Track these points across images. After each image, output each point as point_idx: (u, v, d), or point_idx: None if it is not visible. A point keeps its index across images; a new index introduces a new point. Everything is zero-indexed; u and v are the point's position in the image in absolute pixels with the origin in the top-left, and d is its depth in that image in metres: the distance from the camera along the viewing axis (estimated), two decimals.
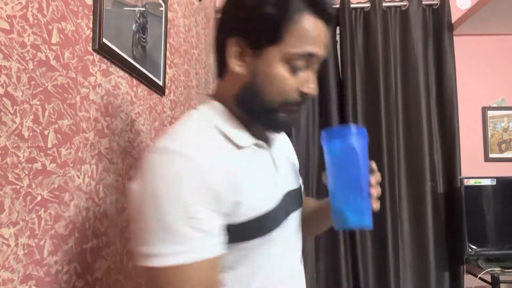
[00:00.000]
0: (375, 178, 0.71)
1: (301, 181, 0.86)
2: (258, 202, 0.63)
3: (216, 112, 0.68)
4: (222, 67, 0.70)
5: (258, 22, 0.62)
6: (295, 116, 0.68)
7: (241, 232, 0.61)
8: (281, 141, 0.83)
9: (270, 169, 0.71)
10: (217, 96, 0.71)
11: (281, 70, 0.63)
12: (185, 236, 0.54)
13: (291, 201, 0.74)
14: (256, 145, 0.69)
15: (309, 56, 0.63)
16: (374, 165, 0.72)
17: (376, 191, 0.71)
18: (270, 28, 0.61)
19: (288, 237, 0.73)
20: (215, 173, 0.58)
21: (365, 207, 0.67)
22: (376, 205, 0.70)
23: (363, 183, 0.68)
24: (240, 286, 0.64)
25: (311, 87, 0.65)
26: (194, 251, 0.54)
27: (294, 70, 0.63)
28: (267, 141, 0.73)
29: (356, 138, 0.67)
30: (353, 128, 0.68)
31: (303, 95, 0.65)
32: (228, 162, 0.61)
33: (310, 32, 0.62)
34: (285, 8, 0.61)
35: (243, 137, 0.66)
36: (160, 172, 0.56)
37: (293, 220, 0.75)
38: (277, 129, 0.71)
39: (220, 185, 0.57)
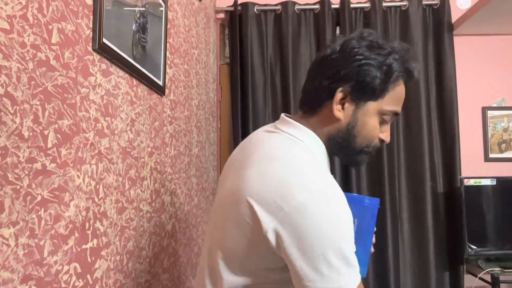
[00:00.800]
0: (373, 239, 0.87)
1: None
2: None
3: (316, 146, 0.79)
4: (319, 104, 0.79)
5: (368, 81, 0.74)
6: (368, 157, 0.83)
7: None
8: None
9: None
10: (313, 131, 0.80)
11: (375, 121, 0.77)
12: (355, 266, 0.67)
13: None
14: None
15: (396, 114, 0.79)
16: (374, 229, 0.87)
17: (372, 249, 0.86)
18: (377, 88, 0.74)
19: None
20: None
21: (366, 261, 0.82)
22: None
23: (370, 241, 0.84)
24: None
25: (387, 136, 0.80)
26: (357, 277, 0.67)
27: (383, 122, 0.78)
28: None
29: (371, 208, 0.82)
30: (368, 199, 0.82)
31: (381, 141, 0.80)
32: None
33: (401, 95, 0.78)
34: (390, 74, 0.74)
35: (327, 166, 0.82)
36: (331, 215, 0.66)
37: None
38: (355, 165, 0.91)
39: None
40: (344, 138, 0.78)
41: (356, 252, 0.71)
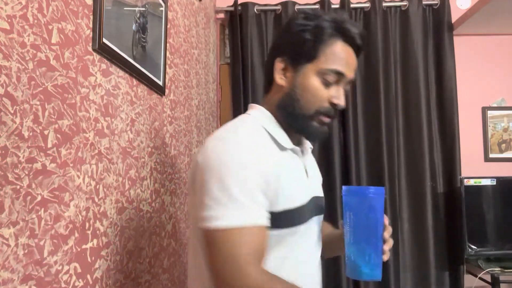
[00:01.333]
0: (388, 232, 0.79)
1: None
2: (293, 196, 0.76)
3: (264, 117, 0.82)
4: (269, 83, 0.85)
5: (300, 45, 0.79)
6: (325, 128, 0.82)
7: (276, 221, 0.72)
8: (310, 156, 0.95)
9: (302, 173, 0.83)
10: (266, 105, 0.85)
11: (315, 82, 0.78)
12: (243, 203, 0.66)
13: (315, 205, 0.85)
14: (293, 150, 0.82)
15: (338, 74, 0.77)
16: (387, 220, 0.79)
17: (388, 246, 0.79)
18: (310, 50, 0.78)
19: (312, 237, 0.83)
20: (267, 163, 0.72)
21: (378, 261, 0.75)
22: (386, 257, 0.78)
23: (378, 239, 0.75)
24: (271, 271, 0.71)
25: (340, 99, 0.78)
26: (249, 216, 0.66)
27: (326, 83, 0.77)
28: (301, 150, 0.86)
29: (376, 198, 0.75)
30: (373, 189, 0.76)
31: (332, 105, 0.78)
32: (274, 156, 0.75)
33: (339, 54, 0.78)
34: (320, 34, 0.78)
35: (285, 140, 0.80)
36: (225, 155, 0.69)
37: (316, 224, 0.85)
38: (310, 135, 0.83)
39: (269, 174, 0.71)
40: (288, 103, 0.80)
41: (356, 250, 0.75)
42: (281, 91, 0.81)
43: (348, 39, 0.79)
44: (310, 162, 0.92)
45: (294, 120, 0.80)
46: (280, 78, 0.81)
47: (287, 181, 0.75)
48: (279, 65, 0.81)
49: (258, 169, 0.69)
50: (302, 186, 0.80)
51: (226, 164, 0.68)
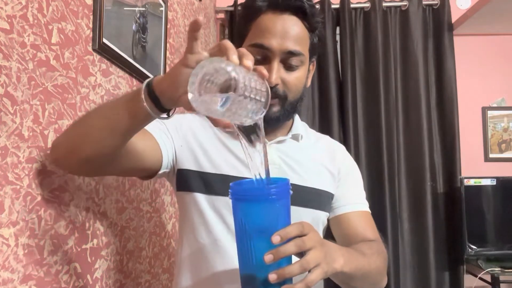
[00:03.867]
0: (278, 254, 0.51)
1: (328, 188, 0.82)
2: (211, 162, 0.75)
3: None
4: None
5: (238, 24, 0.78)
6: (270, 109, 0.66)
7: (192, 181, 0.74)
8: (291, 147, 0.81)
9: (239, 153, 0.76)
10: None
11: None
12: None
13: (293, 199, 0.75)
14: (231, 133, 0.78)
15: (261, 47, 0.71)
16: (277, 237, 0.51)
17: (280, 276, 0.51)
18: (243, 29, 0.76)
19: None
20: (187, 123, 0.78)
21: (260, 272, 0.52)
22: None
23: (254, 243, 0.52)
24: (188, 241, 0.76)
25: (268, 75, 0.64)
26: None
27: (255, 62, 0.63)
28: (267, 137, 0.78)
29: (243, 200, 0.53)
30: (244, 184, 0.56)
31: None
32: (201, 127, 0.79)
33: (263, 27, 0.72)
34: (250, 10, 0.74)
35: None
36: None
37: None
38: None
39: (184, 128, 0.77)
40: None
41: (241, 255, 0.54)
42: None
43: (274, 5, 0.71)
44: (276, 152, 0.79)
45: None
46: None
47: (211, 147, 0.76)
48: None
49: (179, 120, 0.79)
50: (234, 159, 0.75)
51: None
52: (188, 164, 0.76)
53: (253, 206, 0.53)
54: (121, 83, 0.94)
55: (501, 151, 2.18)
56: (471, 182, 1.92)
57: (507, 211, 1.91)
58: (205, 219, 0.74)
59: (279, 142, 0.81)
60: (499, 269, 1.79)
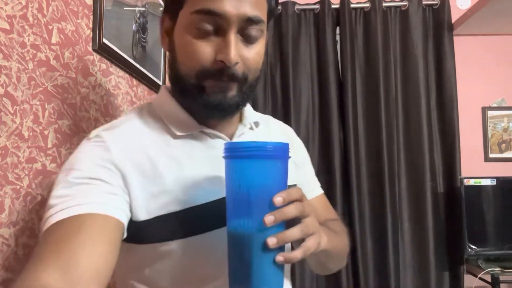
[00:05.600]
0: (282, 214, 0.46)
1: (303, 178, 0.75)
2: (184, 194, 0.55)
3: (160, 99, 0.64)
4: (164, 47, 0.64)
5: None
6: (225, 95, 0.57)
7: (155, 229, 0.54)
8: (259, 132, 0.70)
9: (219, 163, 0.56)
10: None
11: (187, 36, 0.54)
12: (81, 190, 0.50)
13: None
14: (205, 133, 0.61)
15: (211, 14, 0.52)
16: (279, 198, 0.47)
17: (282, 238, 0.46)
18: None
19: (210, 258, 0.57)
20: (124, 155, 0.55)
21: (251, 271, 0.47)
22: (287, 258, 0.47)
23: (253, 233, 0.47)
24: None
25: (225, 52, 0.53)
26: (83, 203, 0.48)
27: (202, 34, 0.54)
28: (225, 131, 0.64)
29: (240, 161, 0.49)
30: (242, 144, 0.51)
31: (219, 64, 0.54)
32: (151, 148, 0.57)
33: None
34: None
35: (183, 124, 0.60)
36: (76, 152, 0.55)
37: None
38: (207, 110, 0.59)
39: (128, 167, 0.54)
40: (171, 74, 0.60)
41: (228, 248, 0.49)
42: (170, 59, 0.61)
43: None
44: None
45: (183, 96, 0.60)
46: (163, 43, 0.61)
47: (176, 175, 0.56)
48: (163, 25, 0.61)
49: (108, 159, 0.54)
50: (209, 179, 0.58)
51: (73, 158, 0.57)
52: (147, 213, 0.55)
53: (255, 164, 0.47)
54: (121, 83, 0.94)
55: (501, 151, 2.18)
56: (471, 182, 1.92)
57: (507, 211, 1.91)
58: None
59: (240, 136, 0.66)
60: (499, 269, 1.79)
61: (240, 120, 0.67)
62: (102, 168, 0.52)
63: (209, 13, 0.52)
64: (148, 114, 0.62)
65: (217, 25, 0.53)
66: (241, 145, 0.50)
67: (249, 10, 0.53)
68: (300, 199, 0.48)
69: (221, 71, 0.55)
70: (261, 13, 0.56)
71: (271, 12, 0.60)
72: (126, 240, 0.54)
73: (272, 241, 0.44)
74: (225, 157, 0.50)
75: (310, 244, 0.48)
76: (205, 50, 0.54)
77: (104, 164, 0.53)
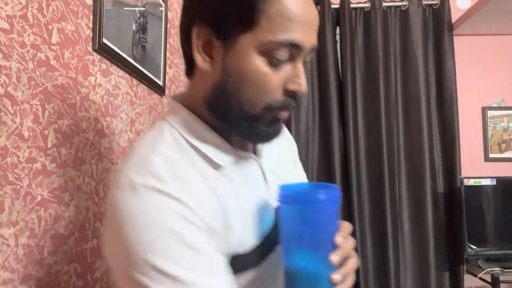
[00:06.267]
0: (342, 253, 0.50)
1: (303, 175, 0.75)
2: (241, 238, 0.53)
3: (186, 123, 0.55)
4: (189, 64, 0.57)
5: (225, 3, 0.49)
6: (279, 126, 0.55)
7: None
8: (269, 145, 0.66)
9: (260, 185, 0.59)
10: (187, 100, 0.58)
11: (259, 64, 0.49)
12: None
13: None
14: (241, 157, 0.58)
15: (294, 47, 0.49)
16: (340, 238, 0.50)
17: (342, 274, 0.50)
18: (241, 10, 0.48)
19: (272, 273, 0.57)
20: (205, 205, 0.49)
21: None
22: None
23: (318, 269, 0.51)
24: None
25: (299, 82, 0.50)
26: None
27: (275, 63, 0.49)
28: (254, 149, 0.62)
29: (313, 208, 0.50)
30: (311, 191, 0.53)
31: (290, 94, 0.51)
32: (212, 189, 0.51)
33: (290, 11, 0.47)
34: None
35: (221, 152, 0.55)
36: (136, 217, 0.45)
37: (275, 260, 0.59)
38: (258, 141, 0.58)
39: (212, 218, 0.49)
40: (220, 99, 0.52)
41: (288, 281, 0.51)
42: (208, 80, 0.53)
43: None
44: (269, 155, 0.64)
45: (232, 123, 0.54)
46: (202, 61, 0.52)
47: (234, 216, 0.52)
48: (198, 39, 0.52)
49: (195, 219, 0.48)
50: (257, 210, 0.56)
51: (141, 231, 0.46)
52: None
53: (320, 208, 0.50)
54: (121, 83, 0.94)
55: (501, 151, 2.18)
56: (471, 182, 1.92)
57: (507, 211, 1.91)
58: None
59: (261, 150, 0.63)
60: (499, 269, 1.79)
61: None
62: (191, 233, 0.46)
63: (294, 46, 0.49)
64: (180, 145, 0.53)
65: (291, 54, 0.50)
66: (304, 192, 0.54)
67: (315, 38, 0.52)
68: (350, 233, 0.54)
69: (289, 101, 0.52)
70: None
71: None
72: None
73: (337, 278, 0.49)
74: (284, 202, 0.51)
75: (355, 267, 0.54)
76: (277, 80, 0.50)
77: (188, 226, 0.46)
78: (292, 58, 0.50)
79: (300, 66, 0.51)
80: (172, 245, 0.45)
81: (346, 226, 0.55)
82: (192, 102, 0.57)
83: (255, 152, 0.62)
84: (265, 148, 0.64)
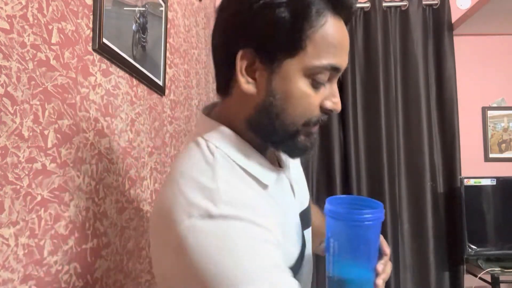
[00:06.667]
0: (384, 263, 0.59)
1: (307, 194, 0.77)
2: (291, 250, 0.58)
3: (230, 143, 0.57)
4: (227, 83, 0.59)
5: (272, 30, 0.51)
6: (313, 140, 0.59)
7: None
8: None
9: (291, 197, 0.63)
10: (224, 118, 0.59)
11: (304, 86, 0.53)
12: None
13: (302, 223, 0.64)
14: (278, 174, 0.61)
15: (334, 70, 0.54)
16: (386, 247, 0.61)
17: (382, 279, 0.58)
18: (288, 37, 0.51)
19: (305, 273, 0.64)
20: (274, 225, 0.51)
21: None
22: None
23: (368, 279, 0.58)
24: None
25: (335, 102, 0.56)
26: None
27: (316, 85, 0.54)
28: (280, 162, 0.66)
29: (373, 226, 0.56)
30: (370, 212, 0.56)
31: (326, 112, 0.56)
32: (273, 209, 0.55)
33: (332, 39, 0.52)
34: (305, 10, 0.51)
35: (265, 171, 0.58)
36: (221, 247, 0.45)
37: (308, 245, 0.65)
38: (297, 155, 0.61)
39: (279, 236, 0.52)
40: (264, 118, 0.55)
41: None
42: (250, 101, 0.56)
43: (339, 6, 0.53)
44: (291, 167, 0.70)
45: (273, 138, 0.58)
46: (246, 83, 0.55)
47: (285, 232, 0.56)
48: (243, 61, 0.54)
49: (276, 244, 0.51)
50: (295, 222, 0.62)
51: (237, 263, 0.46)
52: None
53: (372, 226, 0.56)
54: (121, 83, 0.94)
55: (501, 151, 2.18)
56: (471, 182, 1.92)
57: (507, 211, 1.91)
58: None
59: (285, 161, 0.69)
60: (499, 269, 1.79)
61: None
62: (277, 254, 0.49)
63: (335, 70, 0.54)
64: (231, 167, 0.55)
65: (330, 76, 0.55)
66: (355, 209, 0.59)
67: (347, 60, 0.56)
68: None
69: (324, 117, 0.57)
70: None
71: None
72: None
73: (380, 283, 0.56)
74: (337, 219, 0.56)
75: (389, 272, 0.60)
76: (318, 100, 0.55)
77: (272, 248, 0.48)
78: (329, 79, 0.55)
79: (335, 86, 0.56)
80: (266, 269, 0.46)
81: (383, 238, 0.62)
82: (231, 120, 0.59)
83: (280, 164, 0.67)
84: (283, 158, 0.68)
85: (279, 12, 0.50)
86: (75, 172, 0.73)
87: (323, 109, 0.56)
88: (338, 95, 0.56)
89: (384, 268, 0.58)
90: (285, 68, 0.53)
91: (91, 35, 0.80)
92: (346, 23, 0.56)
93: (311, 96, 0.54)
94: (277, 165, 0.65)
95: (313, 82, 0.53)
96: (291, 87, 0.53)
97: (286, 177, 0.64)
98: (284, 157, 0.67)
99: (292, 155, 0.61)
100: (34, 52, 0.63)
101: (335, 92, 0.56)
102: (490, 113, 2.19)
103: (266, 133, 0.57)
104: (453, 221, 2.02)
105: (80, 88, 0.76)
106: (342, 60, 0.54)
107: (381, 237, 0.61)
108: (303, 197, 0.70)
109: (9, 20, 0.57)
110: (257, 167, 0.57)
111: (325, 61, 0.52)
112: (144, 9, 1.06)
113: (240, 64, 0.54)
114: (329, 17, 0.52)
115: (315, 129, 0.58)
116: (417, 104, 2.08)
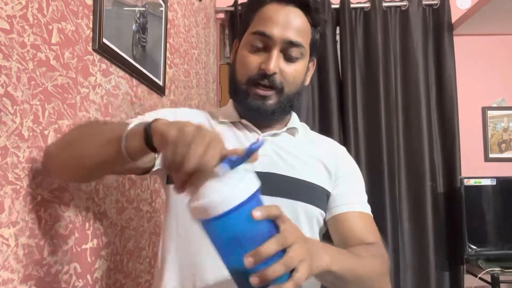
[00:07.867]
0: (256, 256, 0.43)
1: (317, 181, 0.76)
2: None
3: (224, 109, 0.82)
4: None
5: (243, 19, 0.79)
6: (264, 102, 0.72)
7: None
8: (289, 139, 0.80)
9: (232, 143, 0.74)
10: None
11: (245, 51, 0.74)
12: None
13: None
14: (241, 123, 0.78)
15: (261, 35, 0.71)
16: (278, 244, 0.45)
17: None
18: (244, 21, 0.77)
19: None
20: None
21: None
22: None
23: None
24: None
25: (267, 63, 0.70)
26: None
27: (254, 50, 0.72)
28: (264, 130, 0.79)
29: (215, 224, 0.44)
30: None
31: (261, 72, 0.71)
32: (197, 119, 0.72)
33: (266, 16, 0.72)
34: (252, 3, 0.77)
35: (229, 115, 0.78)
36: None
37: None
38: (249, 111, 0.75)
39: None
40: (231, 80, 0.78)
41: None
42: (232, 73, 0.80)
43: None
44: (270, 144, 0.76)
45: (236, 97, 0.77)
46: (231, 59, 0.81)
47: None
48: (235, 46, 0.80)
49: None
50: None
51: None
52: None
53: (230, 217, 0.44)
54: (121, 83, 0.94)
55: (501, 151, 2.18)
56: (471, 182, 1.92)
57: (507, 211, 1.91)
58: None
59: (273, 135, 0.78)
60: (499, 269, 1.79)
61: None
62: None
63: (261, 34, 0.71)
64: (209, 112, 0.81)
65: (266, 44, 0.71)
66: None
67: (292, 35, 0.71)
68: (279, 216, 0.46)
69: (262, 77, 0.71)
70: (303, 40, 0.73)
71: (314, 43, 0.76)
72: None
73: (255, 280, 0.42)
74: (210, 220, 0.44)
75: (299, 274, 0.44)
76: (254, 61, 0.72)
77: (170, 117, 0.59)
78: (268, 47, 0.71)
79: (273, 53, 0.71)
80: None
81: (273, 208, 0.48)
82: None
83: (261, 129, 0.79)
84: (286, 140, 0.80)
85: (244, 5, 0.80)
86: None
87: (260, 70, 0.71)
88: (274, 61, 0.70)
89: (256, 260, 0.42)
90: (241, 42, 0.76)
91: (91, 35, 0.80)
92: (301, 7, 0.72)
93: (249, 57, 0.73)
94: (258, 126, 0.78)
95: (251, 47, 0.73)
96: (239, 53, 0.76)
97: (251, 134, 0.77)
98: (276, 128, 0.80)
99: (253, 116, 0.76)
100: (34, 52, 0.63)
101: (271, 58, 0.70)
102: (490, 113, 2.19)
103: (231, 92, 0.78)
104: (453, 221, 2.02)
105: (80, 88, 0.76)
106: (270, 29, 0.71)
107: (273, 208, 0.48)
108: (279, 163, 0.74)
109: (9, 20, 0.57)
110: (223, 112, 0.80)
111: (255, 29, 0.73)
112: (144, 9, 1.06)
113: (234, 48, 0.80)
114: (269, 5, 0.73)
115: (261, 92, 0.72)
116: (417, 104, 2.07)
